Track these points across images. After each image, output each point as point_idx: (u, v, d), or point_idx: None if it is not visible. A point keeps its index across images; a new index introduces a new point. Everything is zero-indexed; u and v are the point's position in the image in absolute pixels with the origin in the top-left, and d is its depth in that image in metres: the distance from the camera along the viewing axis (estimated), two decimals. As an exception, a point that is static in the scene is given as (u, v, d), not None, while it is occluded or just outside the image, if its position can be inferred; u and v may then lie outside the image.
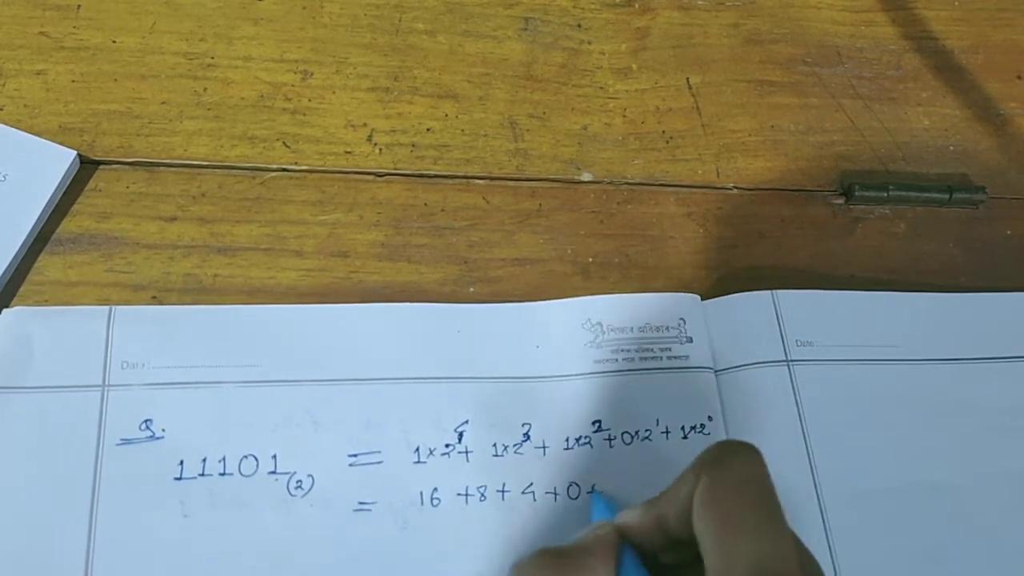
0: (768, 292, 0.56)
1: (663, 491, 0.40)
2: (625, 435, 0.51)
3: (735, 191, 0.62)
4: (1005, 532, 0.52)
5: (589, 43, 0.66)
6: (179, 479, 0.47)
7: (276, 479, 0.48)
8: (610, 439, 0.51)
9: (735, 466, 0.38)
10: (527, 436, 0.51)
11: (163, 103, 0.59)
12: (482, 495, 0.49)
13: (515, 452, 0.50)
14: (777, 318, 0.55)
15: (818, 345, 0.55)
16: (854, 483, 0.51)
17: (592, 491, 0.51)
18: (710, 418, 0.52)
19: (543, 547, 0.40)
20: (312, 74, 0.61)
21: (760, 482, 0.37)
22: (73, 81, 0.58)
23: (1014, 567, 0.51)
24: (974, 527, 0.52)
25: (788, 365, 0.54)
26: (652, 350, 0.53)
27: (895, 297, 0.58)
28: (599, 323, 0.54)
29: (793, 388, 0.53)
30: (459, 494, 0.49)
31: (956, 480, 0.52)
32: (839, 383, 0.54)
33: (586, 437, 0.51)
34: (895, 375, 0.55)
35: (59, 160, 0.55)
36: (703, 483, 0.37)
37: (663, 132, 0.63)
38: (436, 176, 0.59)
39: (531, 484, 0.50)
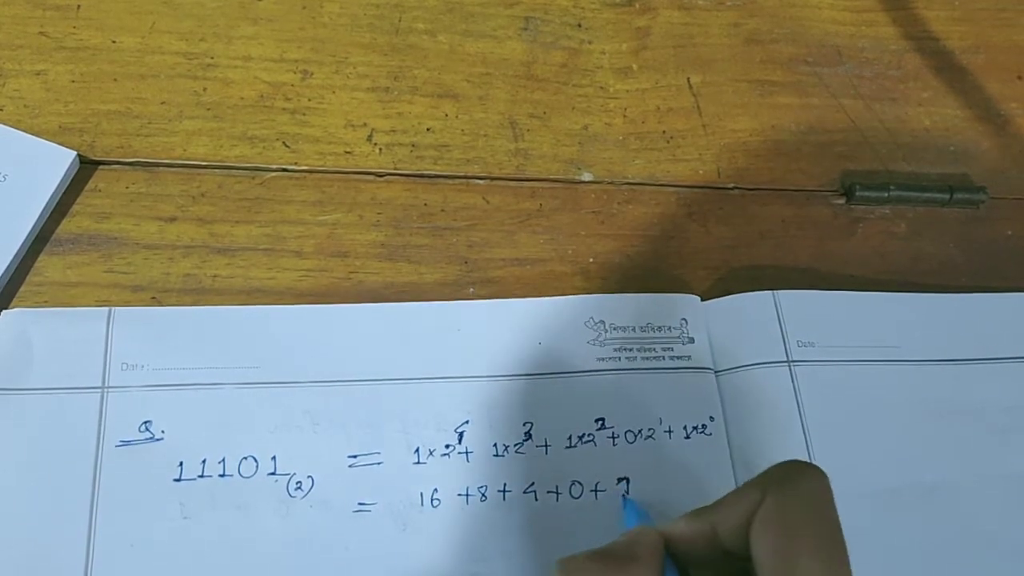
0: (769, 292, 0.56)
1: (716, 502, 0.40)
2: (628, 433, 0.51)
3: (736, 191, 0.62)
4: (1005, 533, 0.52)
5: (589, 43, 0.65)
6: (179, 480, 0.47)
7: (276, 480, 0.48)
8: (613, 437, 0.51)
9: (803, 488, 0.38)
10: (528, 435, 0.51)
11: (163, 103, 0.58)
12: (483, 495, 0.49)
13: (516, 452, 0.50)
14: (778, 319, 0.55)
15: (819, 346, 0.55)
16: (855, 484, 0.51)
17: (624, 497, 0.50)
18: (712, 418, 0.52)
19: (591, 549, 0.40)
20: (312, 74, 0.61)
21: (827, 506, 0.37)
22: (73, 81, 0.58)
23: (1014, 568, 0.51)
24: (974, 528, 0.52)
25: (789, 366, 0.54)
26: (655, 349, 0.53)
27: (896, 298, 0.58)
28: (601, 321, 0.54)
29: (794, 389, 0.53)
30: (459, 495, 0.49)
31: (957, 481, 0.52)
32: (840, 384, 0.54)
33: (589, 435, 0.51)
34: (896, 376, 0.55)
35: (59, 160, 0.54)
36: (769, 501, 0.37)
37: (664, 132, 0.63)
38: (436, 176, 0.59)
39: (532, 484, 0.49)
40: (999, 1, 0.72)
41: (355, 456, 0.49)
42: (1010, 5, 0.72)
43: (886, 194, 0.62)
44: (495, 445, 0.50)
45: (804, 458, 0.51)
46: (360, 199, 0.58)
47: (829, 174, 0.63)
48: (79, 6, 0.60)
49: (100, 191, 0.55)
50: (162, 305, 0.53)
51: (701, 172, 0.62)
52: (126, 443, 0.48)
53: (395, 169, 0.59)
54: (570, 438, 0.51)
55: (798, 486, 0.38)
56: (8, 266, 0.51)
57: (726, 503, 0.39)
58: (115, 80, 0.59)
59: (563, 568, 0.39)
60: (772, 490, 0.37)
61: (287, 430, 0.49)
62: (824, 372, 0.54)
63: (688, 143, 0.63)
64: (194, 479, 0.47)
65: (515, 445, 0.50)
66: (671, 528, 0.41)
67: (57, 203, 0.54)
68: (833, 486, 0.50)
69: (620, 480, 0.50)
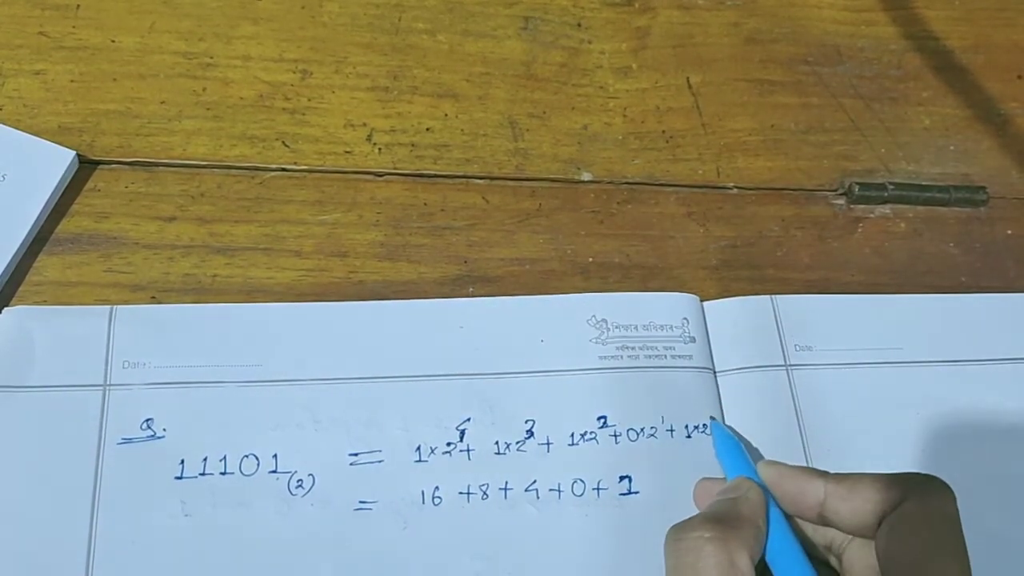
0: (767, 297, 0.56)
1: (835, 476, 0.43)
2: (631, 431, 0.51)
3: (735, 191, 0.62)
4: (1007, 534, 0.52)
5: (589, 42, 0.65)
6: (180, 478, 0.47)
7: (277, 478, 0.48)
8: (616, 435, 0.51)
9: (943, 501, 0.40)
10: (530, 433, 0.50)
11: (162, 103, 0.58)
12: (484, 493, 0.49)
13: (518, 449, 0.50)
14: (776, 323, 0.55)
15: (817, 349, 0.55)
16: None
17: (712, 420, 0.52)
18: (712, 418, 0.52)
19: (700, 513, 0.43)
20: (311, 74, 0.61)
21: (959, 524, 0.39)
22: (72, 81, 0.58)
23: (1016, 568, 0.51)
24: (975, 530, 0.51)
25: (787, 370, 0.54)
26: (656, 348, 0.53)
27: (894, 300, 0.58)
28: (604, 320, 0.54)
29: (792, 393, 0.53)
30: (461, 493, 0.49)
31: (956, 483, 0.52)
32: (839, 387, 0.54)
33: (591, 432, 0.51)
34: (895, 377, 0.55)
35: (58, 160, 0.54)
36: (912, 504, 0.39)
37: (663, 132, 0.63)
38: (436, 176, 0.59)
39: (534, 481, 0.49)
40: (999, 1, 0.72)
41: (356, 454, 0.49)
42: (1010, 5, 0.72)
43: (886, 194, 0.62)
44: (497, 443, 0.50)
45: (801, 462, 0.51)
46: (359, 199, 0.58)
47: (829, 174, 0.63)
48: (78, 6, 0.60)
49: (99, 191, 0.55)
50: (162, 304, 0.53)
51: (700, 172, 0.62)
52: (127, 441, 0.47)
53: (394, 169, 0.59)
54: (572, 436, 0.51)
55: (940, 497, 0.40)
56: (7, 266, 0.51)
57: (850, 485, 0.41)
58: (114, 80, 0.59)
59: (677, 535, 0.41)
60: (915, 494, 0.39)
61: (288, 428, 0.49)
62: (822, 376, 0.54)
63: (688, 143, 0.63)
64: (195, 477, 0.47)
65: (517, 443, 0.50)
66: (779, 475, 0.44)
67: (56, 203, 0.54)
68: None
69: (622, 478, 0.50)
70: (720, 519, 0.41)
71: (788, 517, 0.44)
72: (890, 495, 0.40)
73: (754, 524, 0.41)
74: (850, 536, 0.42)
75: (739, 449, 0.48)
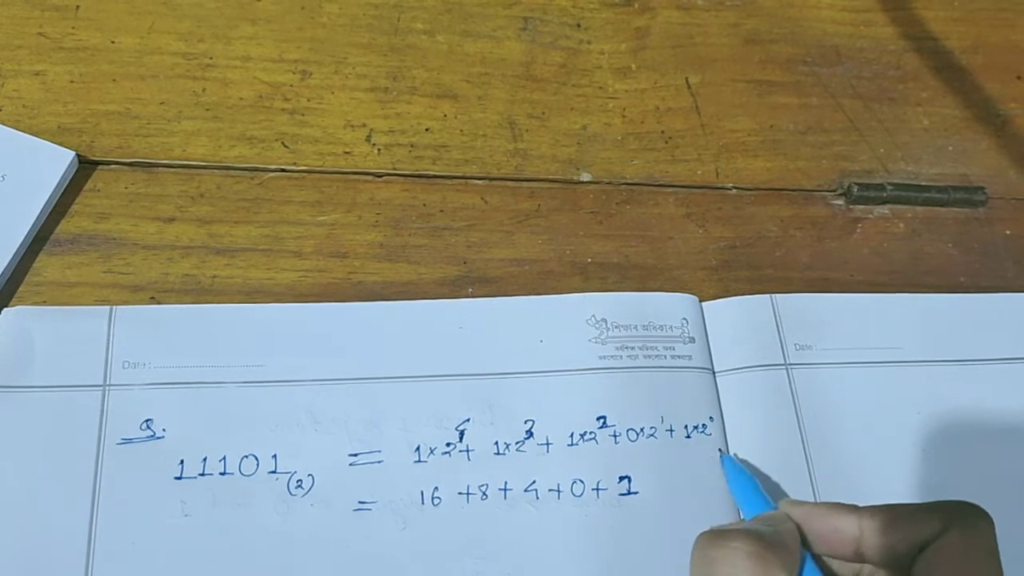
0: (767, 296, 0.56)
1: (868, 510, 0.41)
2: (630, 432, 0.51)
3: (734, 191, 0.62)
4: (1007, 534, 0.52)
5: (588, 43, 0.65)
6: (179, 479, 0.47)
7: (276, 479, 0.48)
8: (615, 435, 0.51)
9: (984, 532, 0.39)
10: (530, 433, 0.50)
11: (162, 103, 0.58)
12: (484, 494, 0.49)
13: (517, 450, 0.50)
14: (776, 322, 0.55)
15: (817, 348, 0.55)
16: (853, 488, 0.51)
17: (721, 453, 0.51)
18: (711, 418, 0.52)
19: (739, 526, 0.41)
20: (311, 74, 0.61)
21: (998, 555, 0.39)
22: (72, 81, 0.58)
23: (1015, 569, 0.51)
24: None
25: (787, 369, 0.54)
26: (656, 348, 0.53)
27: (894, 299, 0.57)
28: (603, 320, 0.54)
29: (791, 392, 0.53)
30: (460, 493, 0.49)
31: (955, 483, 0.52)
32: (838, 386, 0.54)
33: (591, 433, 0.51)
34: (894, 377, 0.55)
35: (58, 160, 0.54)
36: (954, 536, 0.38)
37: (662, 132, 0.63)
38: (435, 176, 0.59)
39: (534, 482, 0.49)
40: (998, 1, 0.72)
41: (356, 454, 0.49)
42: (1009, 5, 0.72)
43: (884, 194, 0.62)
44: (496, 443, 0.50)
45: (801, 462, 0.51)
46: (359, 199, 0.58)
47: (828, 174, 0.63)
48: (78, 6, 0.60)
49: (99, 191, 0.55)
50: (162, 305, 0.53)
51: (700, 172, 0.62)
52: (127, 441, 0.47)
53: (394, 169, 0.59)
54: (572, 436, 0.51)
55: (981, 529, 0.39)
56: (7, 266, 0.51)
57: (887, 519, 0.40)
58: (114, 80, 0.59)
59: (713, 541, 0.39)
60: (956, 526, 0.38)
61: (288, 428, 0.49)
62: (821, 375, 0.54)
63: (687, 143, 0.63)
64: (195, 477, 0.47)
65: (516, 443, 0.50)
66: (807, 513, 0.43)
67: (56, 203, 0.54)
68: (831, 491, 0.50)
69: (622, 478, 0.50)
70: (761, 536, 0.39)
71: (815, 555, 0.42)
72: (930, 526, 0.39)
73: (793, 554, 0.40)
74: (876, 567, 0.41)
75: (754, 485, 0.48)
